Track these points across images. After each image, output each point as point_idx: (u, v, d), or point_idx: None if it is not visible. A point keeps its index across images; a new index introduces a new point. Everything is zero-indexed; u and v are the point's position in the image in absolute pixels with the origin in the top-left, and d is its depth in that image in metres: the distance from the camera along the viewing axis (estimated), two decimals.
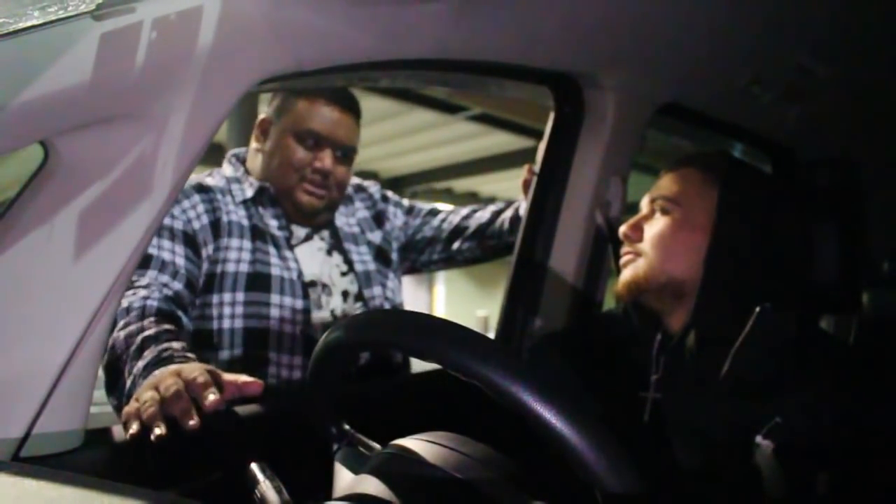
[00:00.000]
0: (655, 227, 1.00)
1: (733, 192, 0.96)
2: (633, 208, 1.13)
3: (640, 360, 1.00)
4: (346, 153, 1.38)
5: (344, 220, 1.49)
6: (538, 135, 1.56)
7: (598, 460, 0.47)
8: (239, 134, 5.36)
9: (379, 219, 1.57)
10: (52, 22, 0.64)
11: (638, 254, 1.00)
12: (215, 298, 1.26)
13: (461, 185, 10.20)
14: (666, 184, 1.02)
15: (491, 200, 1.69)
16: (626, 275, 1.01)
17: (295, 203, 1.35)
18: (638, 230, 1.01)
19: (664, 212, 1.00)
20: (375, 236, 1.53)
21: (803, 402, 0.83)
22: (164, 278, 1.17)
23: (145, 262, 1.16)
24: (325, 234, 1.44)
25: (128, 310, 1.07)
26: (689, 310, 0.94)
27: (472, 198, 10.67)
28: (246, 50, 0.79)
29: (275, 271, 1.30)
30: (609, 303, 1.55)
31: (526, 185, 1.47)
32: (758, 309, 0.88)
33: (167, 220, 1.23)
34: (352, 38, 0.91)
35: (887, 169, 1.74)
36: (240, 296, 1.26)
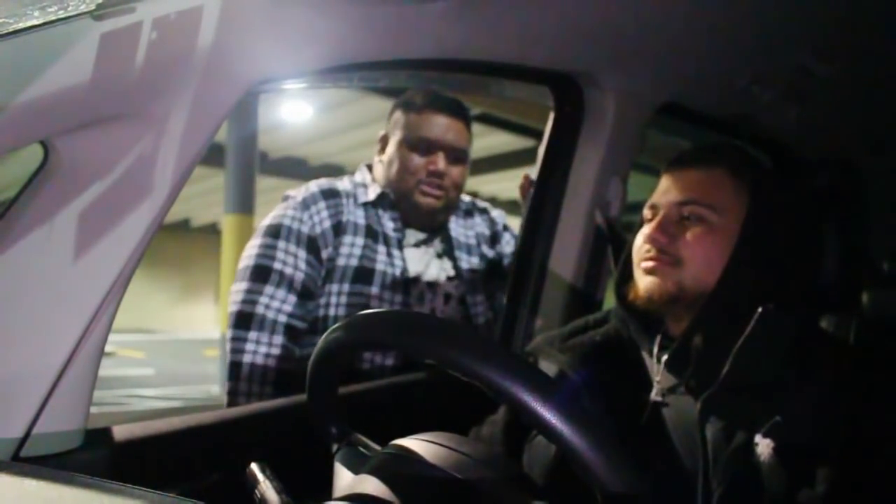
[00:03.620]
0: (693, 233, 0.93)
1: (763, 198, 0.93)
2: (633, 208, 1.12)
3: (640, 362, 1.00)
4: (457, 156, 1.48)
5: (461, 231, 1.59)
6: (538, 135, 1.56)
7: (598, 460, 0.47)
8: (239, 134, 5.36)
9: (496, 239, 1.66)
10: (52, 22, 0.64)
11: (672, 262, 0.93)
12: (326, 289, 1.39)
13: None
14: (699, 187, 0.95)
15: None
16: (655, 283, 0.94)
17: (414, 205, 1.45)
18: (668, 235, 0.94)
19: (700, 219, 0.93)
20: (490, 251, 1.62)
21: (804, 401, 0.82)
22: (281, 293, 1.34)
23: (265, 274, 1.34)
24: (438, 240, 1.53)
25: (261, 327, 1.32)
26: (694, 312, 0.93)
27: (472, 198, 10.64)
28: (246, 50, 0.79)
29: (379, 266, 1.41)
30: (609, 303, 1.55)
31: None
32: (760, 310, 0.87)
33: (295, 225, 1.38)
34: (352, 38, 0.91)
35: (887, 169, 1.74)
36: (345, 286, 1.38)
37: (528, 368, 0.50)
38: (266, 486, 0.63)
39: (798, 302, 0.92)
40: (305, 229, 1.38)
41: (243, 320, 1.33)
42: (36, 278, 0.70)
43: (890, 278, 1.61)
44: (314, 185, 1.45)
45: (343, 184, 1.48)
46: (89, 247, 0.72)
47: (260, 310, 1.32)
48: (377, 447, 0.68)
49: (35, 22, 0.64)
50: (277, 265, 1.34)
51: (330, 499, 0.60)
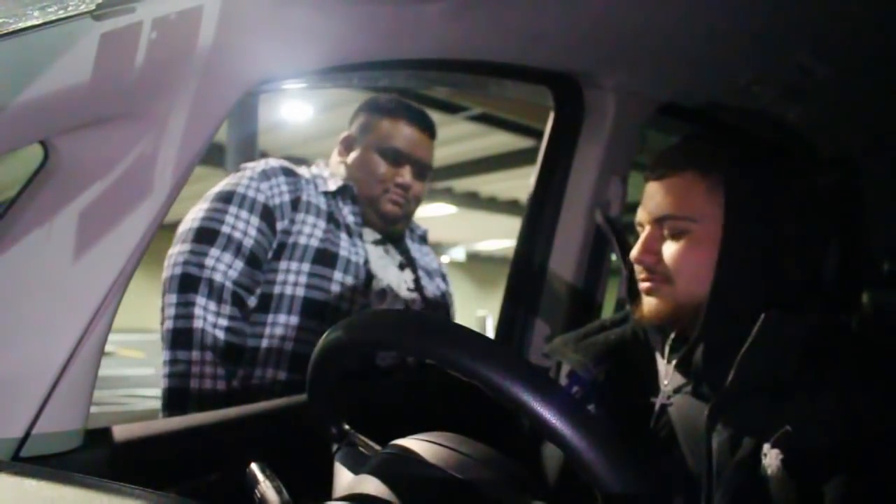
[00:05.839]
0: (676, 249, 0.92)
1: (738, 195, 0.90)
2: (633, 208, 1.12)
3: (652, 364, 0.99)
4: (422, 171, 1.50)
5: (419, 254, 1.58)
6: (538, 135, 1.56)
7: (598, 460, 0.47)
8: (239, 134, 5.35)
9: (445, 280, 1.65)
10: (52, 22, 0.64)
11: (664, 280, 0.92)
12: (282, 265, 1.33)
13: (461, 184, 10.20)
14: (671, 200, 0.93)
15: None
16: (654, 304, 0.93)
17: (379, 211, 1.47)
18: (653, 254, 0.93)
19: (681, 232, 0.91)
20: (443, 286, 1.62)
21: (819, 406, 0.78)
22: (227, 257, 1.27)
23: (211, 236, 1.27)
24: (397, 250, 1.52)
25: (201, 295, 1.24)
26: (701, 318, 0.90)
27: (472, 198, 10.66)
28: (246, 50, 0.79)
29: (343, 252, 1.38)
30: (609, 303, 1.55)
31: None
32: (763, 315, 0.84)
33: (251, 193, 1.33)
34: (352, 38, 0.91)
35: (887, 169, 1.74)
36: (305, 266, 1.34)
37: (528, 369, 0.50)
38: (266, 486, 0.63)
39: (808, 302, 0.88)
40: (261, 198, 1.33)
41: (189, 283, 1.24)
42: (36, 278, 0.70)
43: (890, 278, 1.61)
44: (274, 161, 1.41)
45: (300, 169, 1.46)
46: (89, 247, 0.72)
47: (206, 273, 1.24)
48: (377, 447, 0.68)
49: (35, 22, 0.64)
50: (225, 228, 1.28)
51: (330, 499, 0.60)
